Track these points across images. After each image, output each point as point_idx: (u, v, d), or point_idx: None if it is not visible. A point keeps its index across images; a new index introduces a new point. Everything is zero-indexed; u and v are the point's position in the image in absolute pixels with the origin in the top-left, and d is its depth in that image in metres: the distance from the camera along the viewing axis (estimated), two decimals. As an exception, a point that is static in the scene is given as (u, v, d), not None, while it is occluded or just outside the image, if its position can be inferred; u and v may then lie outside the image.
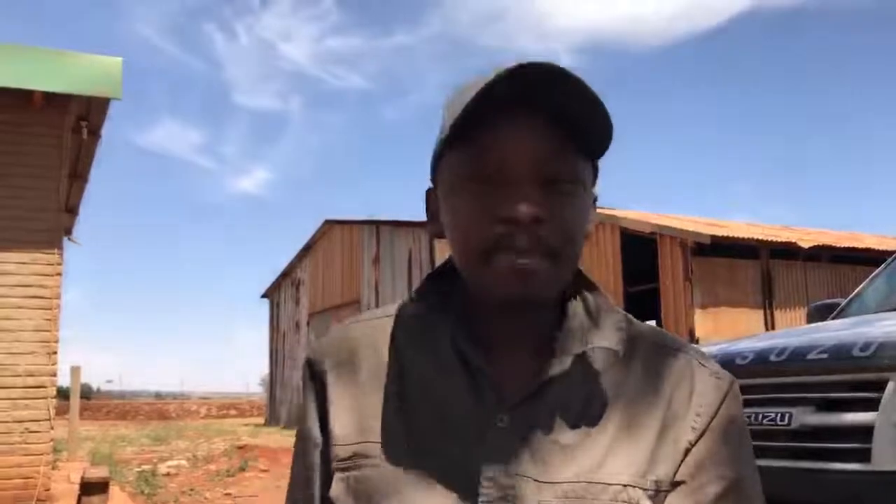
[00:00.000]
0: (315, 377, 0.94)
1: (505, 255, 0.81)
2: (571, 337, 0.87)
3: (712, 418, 0.87)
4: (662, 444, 0.85)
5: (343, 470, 0.88)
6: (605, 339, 0.87)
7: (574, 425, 0.85)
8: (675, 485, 0.84)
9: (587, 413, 0.86)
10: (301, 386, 0.98)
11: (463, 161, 0.84)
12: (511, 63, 0.78)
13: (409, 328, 0.93)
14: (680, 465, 0.85)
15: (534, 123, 0.82)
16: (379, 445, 0.86)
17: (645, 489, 0.83)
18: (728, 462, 0.86)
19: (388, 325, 0.95)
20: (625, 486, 0.82)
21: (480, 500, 0.81)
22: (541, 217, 0.81)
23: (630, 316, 0.94)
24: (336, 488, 0.88)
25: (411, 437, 0.86)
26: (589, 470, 0.82)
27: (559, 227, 0.82)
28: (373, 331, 0.95)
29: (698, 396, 0.88)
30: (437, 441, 0.85)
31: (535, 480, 0.82)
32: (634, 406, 0.87)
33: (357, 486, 0.86)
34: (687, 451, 0.85)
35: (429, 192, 0.96)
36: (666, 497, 0.84)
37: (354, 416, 0.90)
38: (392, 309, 0.98)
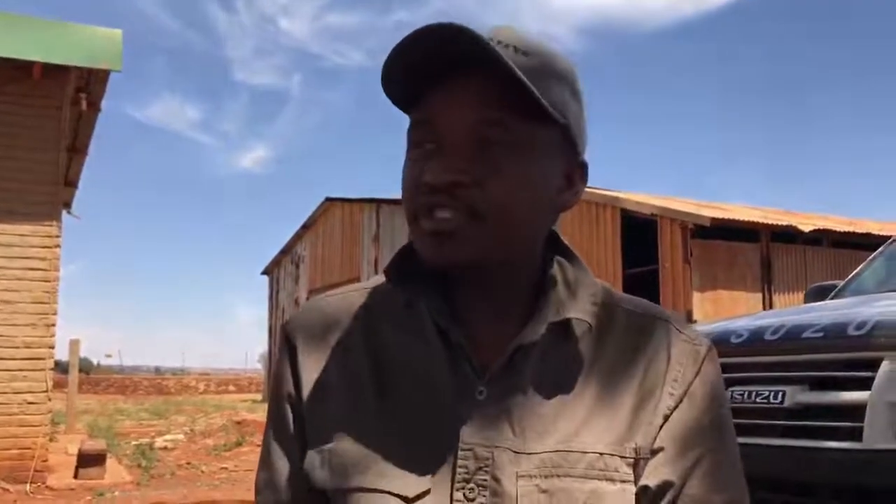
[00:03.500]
0: (289, 345, 0.94)
1: (424, 220, 0.83)
2: (547, 306, 0.87)
3: (690, 385, 0.87)
4: (641, 412, 0.85)
5: (318, 443, 0.87)
6: (579, 311, 0.87)
7: (552, 395, 0.85)
8: (654, 452, 0.84)
9: (565, 383, 0.86)
10: (277, 353, 0.97)
11: (409, 130, 0.87)
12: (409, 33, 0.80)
13: (384, 302, 0.93)
14: (659, 433, 0.85)
15: (468, 89, 0.82)
16: (354, 420, 0.86)
17: (623, 457, 0.83)
18: (706, 428, 0.86)
19: (364, 297, 0.95)
20: (601, 454, 0.82)
21: (458, 472, 0.81)
22: (461, 181, 0.81)
23: (608, 285, 0.94)
24: (311, 462, 0.87)
25: (387, 411, 0.86)
26: (565, 439, 0.83)
27: (487, 190, 0.81)
28: (348, 304, 0.95)
29: (675, 363, 0.88)
30: (414, 414, 0.85)
31: (513, 451, 0.82)
32: (612, 375, 0.87)
33: (332, 460, 0.85)
34: (666, 418, 0.85)
35: None
36: (646, 464, 0.84)
37: (328, 389, 0.89)
38: (369, 283, 0.97)
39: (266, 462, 0.94)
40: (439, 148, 0.83)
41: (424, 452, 0.83)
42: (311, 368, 0.91)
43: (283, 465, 0.91)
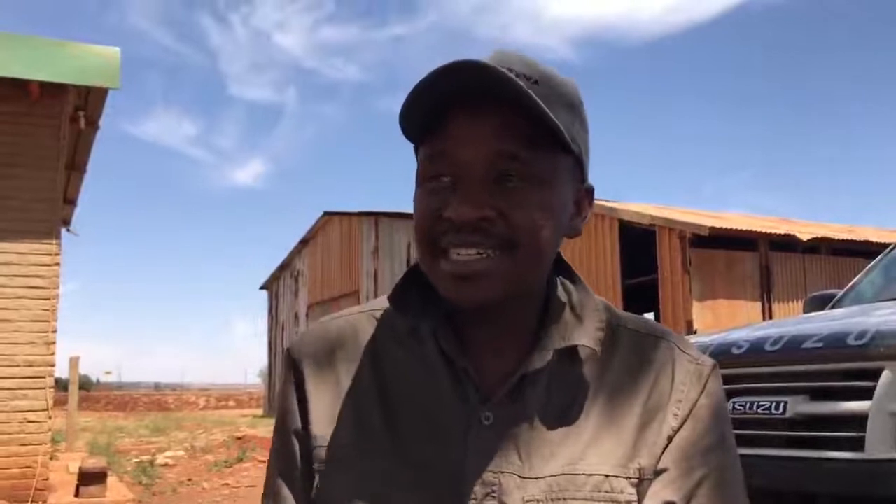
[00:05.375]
0: (295, 371, 0.94)
1: (445, 260, 0.82)
2: (554, 332, 0.87)
3: (693, 405, 0.88)
4: (645, 433, 0.86)
5: (327, 473, 0.87)
6: (585, 338, 0.87)
7: (557, 419, 0.85)
8: (658, 473, 0.85)
9: (570, 407, 0.86)
10: (281, 379, 0.97)
11: (422, 160, 0.86)
12: (438, 68, 0.79)
13: (388, 326, 0.92)
14: (663, 453, 0.85)
15: (484, 123, 0.81)
16: (361, 447, 0.86)
17: (628, 478, 0.83)
18: (710, 448, 0.87)
19: (368, 321, 0.95)
20: (607, 476, 0.83)
21: (465, 498, 0.82)
22: (487, 216, 0.81)
23: (611, 305, 0.95)
24: (321, 493, 0.88)
25: (394, 437, 0.86)
26: (571, 463, 0.83)
27: (511, 224, 0.81)
28: (352, 329, 0.95)
29: (679, 384, 0.89)
30: (421, 441, 0.85)
31: (520, 476, 0.83)
32: (616, 397, 0.87)
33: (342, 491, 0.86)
34: (670, 439, 0.86)
35: None
36: (649, 485, 0.84)
37: (334, 415, 0.89)
38: (373, 305, 0.97)
39: (272, 495, 0.94)
40: (457, 182, 0.82)
41: (432, 480, 0.83)
42: (319, 398, 0.91)
43: (289, 499, 0.92)
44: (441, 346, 0.87)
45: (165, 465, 12.39)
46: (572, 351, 0.88)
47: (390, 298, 0.91)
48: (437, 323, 0.88)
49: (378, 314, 0.95)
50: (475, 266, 0.81)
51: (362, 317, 0.96)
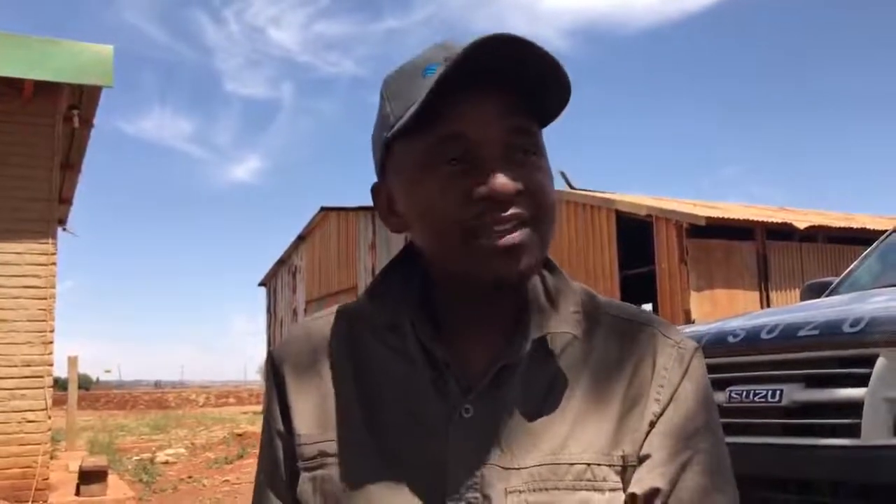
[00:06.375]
0: (276, 374, 0.94)
1: (492, 236, 0.81)
2: (531, 320, 0.87)
3: (676, 389, 0.87)
4: (627, 420, 0.85)
5: (310, 469, 0.88)
6: (562, 324, 0.87)
7: (538, 409, 0.85)
8: (641, 459, 0.84)
9: (551, 395, 0.85)
10: (265, 382, 0.98)
11: (426, 146, 0.83)
12: (465, 41, 0.78)
13: (369, 322, 0.92)
14: (646, 439, 0.85)
15: (496, 98, 0.82)
16: (344, 443, 0.87)
17: (611, 465, 0.83)
18: (694, 432, 0.86)
19: (349, 319, 0.95)
20: (589, 464, 0.82)
21: (448, 491, 0.82)
22: (520, 189, 0.81)
23: (593, 292, 0.94)
24: (303, 488, 0.88)
25: (376, 433, 0.86)
26: (552, 452, 0.82)
27: (536, 197, 0.82)
28: (333, 327, 0.95)
29: (661, 368, 0.88)
30: (403, 435, 0.85)
31: (502, 467, 0.82)
32: (598, 383, 0.87)
33: (324, 486, 0.86)
34: (652, 424, 0.85)
35: (376, 187, 0.94)
36: (634, 471, 0.83)
37: (317, 414, 0.89)
38: (353, 304, 0.97)
39: (260, 496, 0.95)
40: (477, 162, 0.82)
41: (414, 473, 0.83)
42: (300, 398, 0.91)
43: (275, 499, 0.93)
44: (420, 338, 0.86)
45: (166, 462, 12.41)
46: (551, 338, 0.87)
47: (369, 292, 0.91)
48: (416, 314, 0.87)
49: (359, 311, 0.94)
50: (519, 238, 0.81)
51: (343, 314, 0.96)
